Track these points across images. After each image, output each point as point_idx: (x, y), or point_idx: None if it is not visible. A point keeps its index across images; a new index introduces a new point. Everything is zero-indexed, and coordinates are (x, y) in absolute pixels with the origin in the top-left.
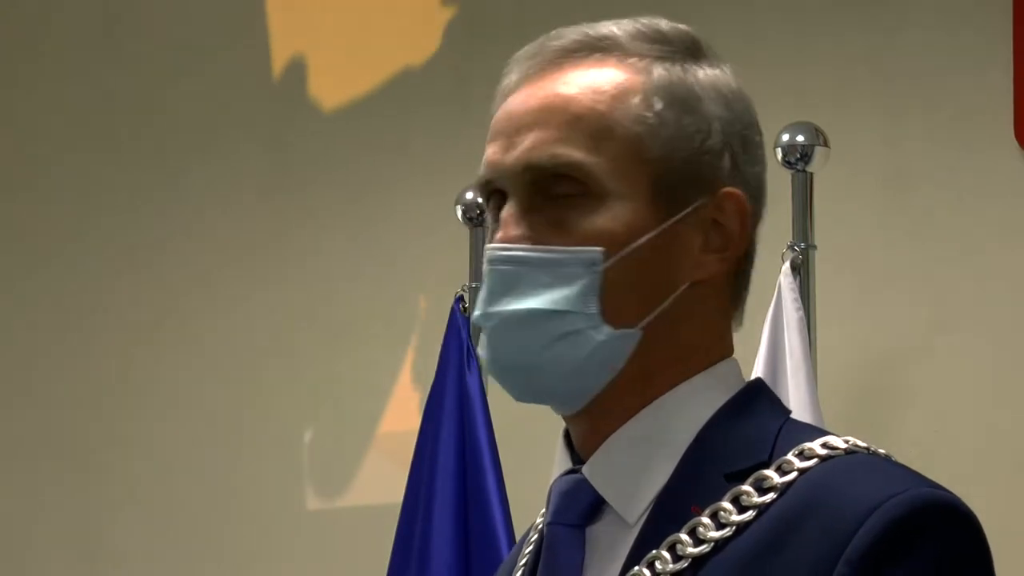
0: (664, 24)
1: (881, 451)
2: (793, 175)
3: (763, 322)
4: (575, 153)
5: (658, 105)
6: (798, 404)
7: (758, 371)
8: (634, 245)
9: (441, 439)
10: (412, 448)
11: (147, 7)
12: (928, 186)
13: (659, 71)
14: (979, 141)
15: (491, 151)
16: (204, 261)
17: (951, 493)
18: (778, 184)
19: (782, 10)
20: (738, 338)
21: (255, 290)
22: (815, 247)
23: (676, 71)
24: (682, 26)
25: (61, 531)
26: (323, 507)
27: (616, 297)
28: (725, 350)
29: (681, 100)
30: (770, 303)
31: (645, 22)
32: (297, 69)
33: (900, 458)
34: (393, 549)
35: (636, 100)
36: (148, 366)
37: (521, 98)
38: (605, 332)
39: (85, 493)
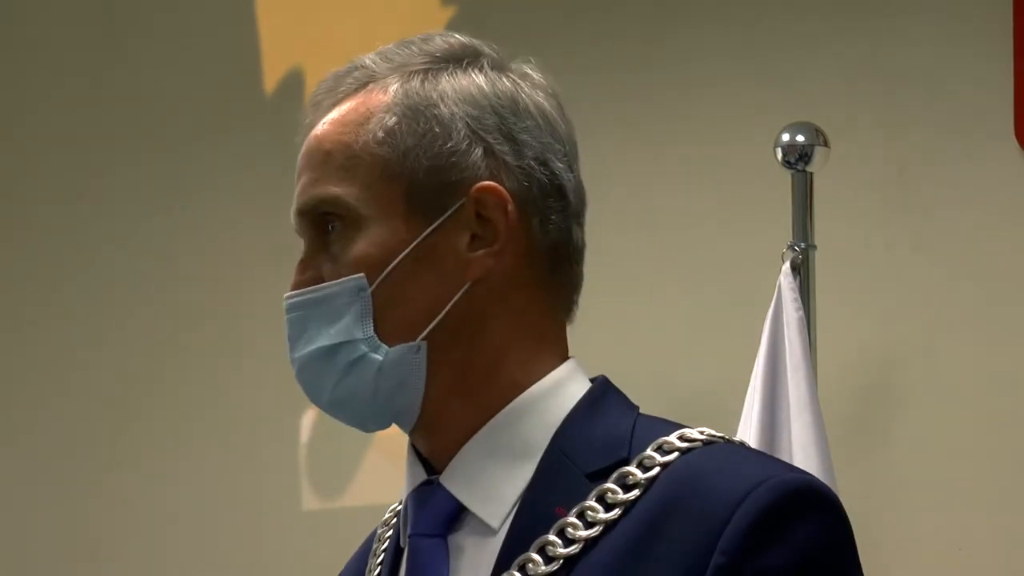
0: (434, 40)
1: (737, 439)
2: (793, 175)
3: (763, 322)
4: (329, 188)
5: (391, 120)
6: (798, 404)
7: (758, 371)
8: (394, 263)
9: None
10: None
11: (147, 22)
12: (928, 186)
13: (396, 87)
14: (979, 141)
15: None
16: (203, 263)
17: (814, 477)
18: (778, 184)
19: (782, 10)
20: (738, 338)
21: (254, 290)
22: (815, 247)
23: (414, 83)
24: (459, 39)
25: (61, 531)
26: (321, 507)
27: (388, 316)
28: (560, 346)
29: (414, 109)
30: (770, 303)
31: (415, 41)
32: (296, 78)
33: (900, 458)
34: None
35: (373, 122)
36: (147, 368)
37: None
38: (383, 352)
39: (84, 493)
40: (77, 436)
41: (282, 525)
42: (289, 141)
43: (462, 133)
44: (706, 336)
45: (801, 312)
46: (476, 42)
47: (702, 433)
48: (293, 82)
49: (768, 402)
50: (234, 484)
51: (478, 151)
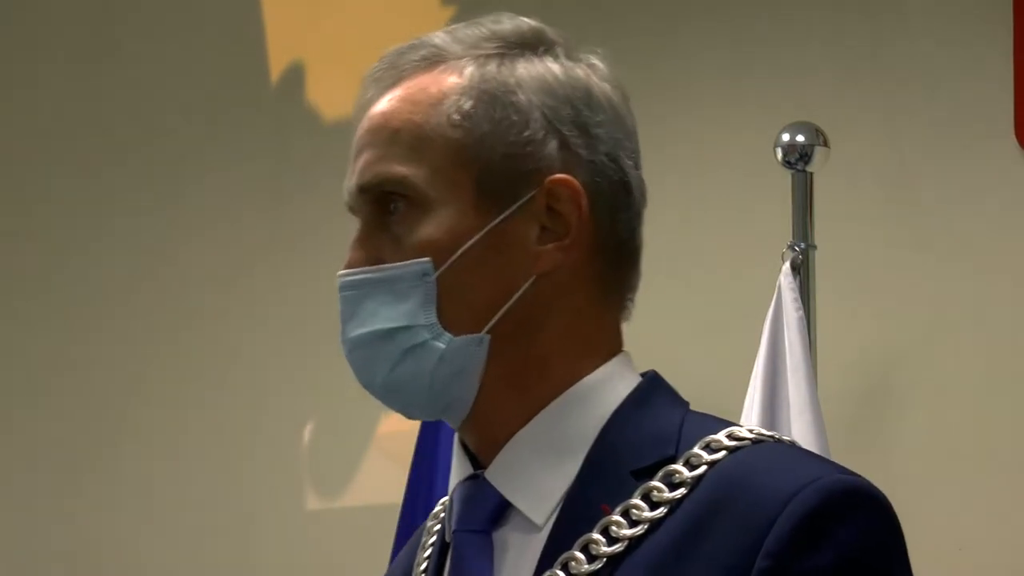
0: (505, 22)
1: (786, 438)
2: (793, 175)
3: (763, 322)
4: (395, 167)
5: (467, 105)
6: (798, 404)
7: (758, 371)
8: (461, 250)
9: (440, 439)
10: (412, 448)
11: (146, 16)
12: (928, 186)
13: (471, 70)
14: (979, 141)
15: (346, 177)
16: (203, 263)
17: (862, 477)
18: (778, 184)
19: (783, 10)
20: (738, 338)
21: (255, 290)
22: (815, 247)
23: (490, 67)
24: (528, 22)
25: (61, 532)
26: (323, 507)
27: (453, 304)
28: (614, 345)
29: (491, 95)
30: (770, 303)
31: (484, 22)
32: (296, 73)
33: (900, 458)
34: (393, 549)
35: (448, 104)
36: (147, 367)
37: (361, 123)
38: (446, 340)
39: (85, 493)
40: (76, 437)
41: (282, 525)
42: (291, 142)
43: (539, 123)
44: (706, 336)
45: (801, 312)
46: (545, 27)
47: (751, 432)
48: (294, 84)
49: (768, 402)
50: (234, 484)
51: (553, 143)
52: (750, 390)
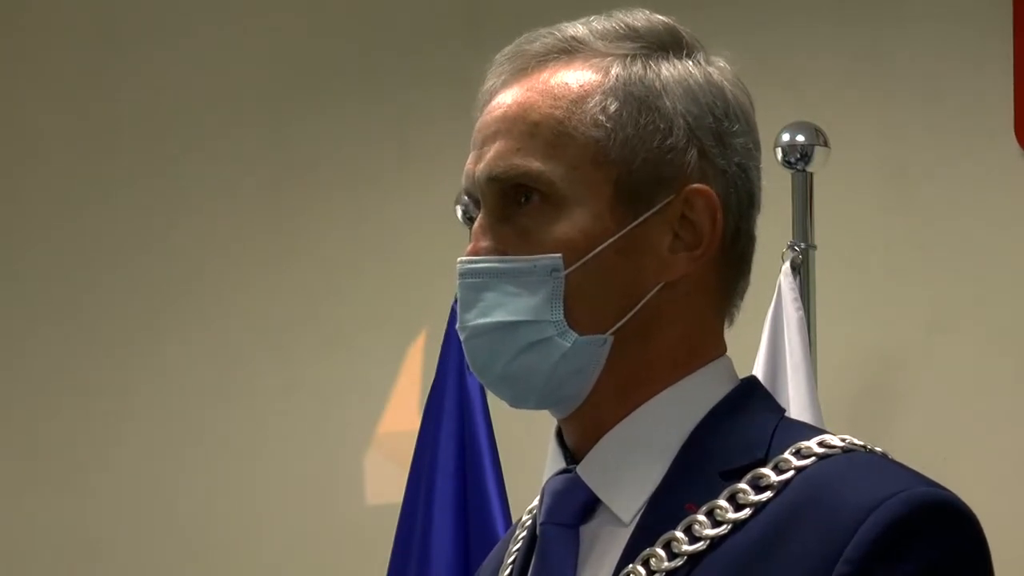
0: (639, 18)
1: (878, 449)
2: (793, 175)
3: (763, 322)
4: (532, 162)
5: (613, 106)
6: (798, 404)
7: (758, 371)
8: (596, 251)
9: (441, 439)
10: (412, 448)
11: (146, 19)
12: (928, 186)
13: (617, 70)
14: (979, 141)
15: (468, 161)
16: (201, 258)
17: (949, 491)
18: (778, 184)
19: (782, 9)
20: (738, 338)
21: (253, 288)
22: (815, 247)
23: (636, 68)
24: (660, 19)
25: (58, 534)
26: (323, 507)
27: (581, 303)
28: (717, 349)
29: (638, 99)
30: (770, 303)
31: (620, 17)
32: (296, 59)
33: (900, 458)
34: (393, 549)
35: (592, 103)
36: (144, 364)
37: (491, 108)
38: (571, 339)
39: (80, 494)
40: (71, 436)
41: (282, 525)
42: (287, 133)
43: (682, 131)
44: None
45: (801, 312)
46: (677, 24)
47: (843, 440)
48: (293, 72)
49: None
50: (235, 484)
51: (693, 151)
52: None
